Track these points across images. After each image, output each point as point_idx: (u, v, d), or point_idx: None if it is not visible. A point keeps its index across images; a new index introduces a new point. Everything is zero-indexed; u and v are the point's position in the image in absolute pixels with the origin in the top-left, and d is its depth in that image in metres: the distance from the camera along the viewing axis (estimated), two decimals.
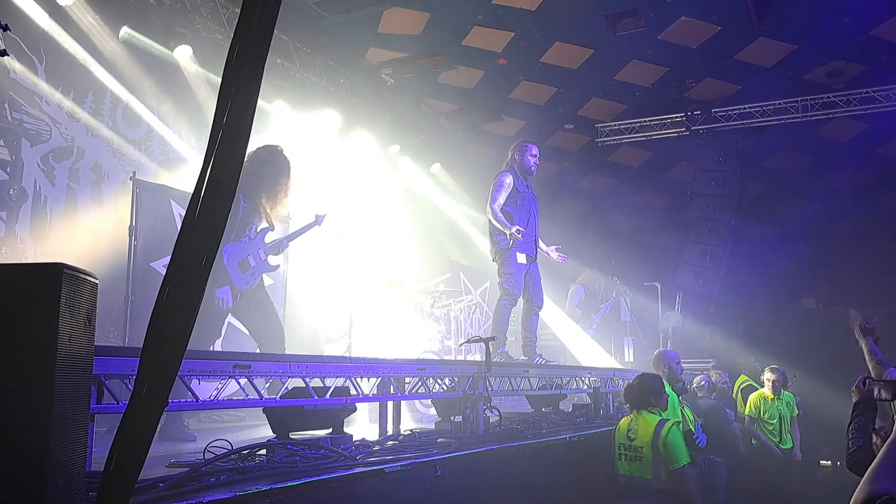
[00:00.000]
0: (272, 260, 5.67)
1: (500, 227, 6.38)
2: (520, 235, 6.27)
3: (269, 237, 5.64)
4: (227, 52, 1.80)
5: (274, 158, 5.50)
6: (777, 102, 10.57)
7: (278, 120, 8.47)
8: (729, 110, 10.93)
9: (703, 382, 6.95)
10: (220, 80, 1.81)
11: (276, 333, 5.41)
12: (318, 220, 5.99)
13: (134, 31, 7.14)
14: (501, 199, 6.45)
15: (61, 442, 2.01)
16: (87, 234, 6.93)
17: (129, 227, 6.56)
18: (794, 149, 11.36)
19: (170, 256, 1.80)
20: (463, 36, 9.13)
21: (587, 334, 10.05)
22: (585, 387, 6.64)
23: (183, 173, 7.67)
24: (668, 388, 5.19)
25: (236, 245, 5.29)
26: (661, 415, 4.73)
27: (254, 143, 5.58)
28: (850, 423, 3.12)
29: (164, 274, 1.78)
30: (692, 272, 11.05)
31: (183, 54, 7.59)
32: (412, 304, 8.34)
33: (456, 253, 11.42)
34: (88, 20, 6.85)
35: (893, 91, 10.01)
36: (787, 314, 10.62)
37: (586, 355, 9.46)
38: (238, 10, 1.76)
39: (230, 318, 5.68)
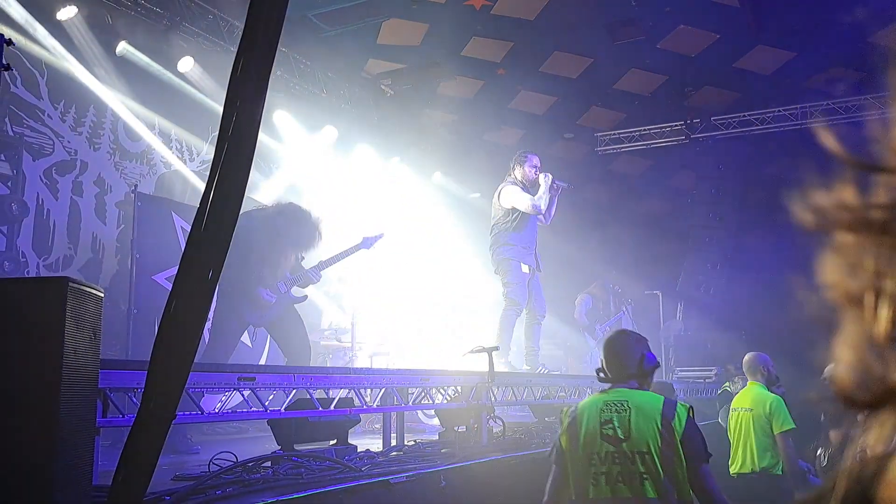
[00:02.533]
0: (298, 292, 5.67)
1: (548, 194, 6.45)
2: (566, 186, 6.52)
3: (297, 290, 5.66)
4: (228, 63, 1.81)
5: (303, 220, 5.48)
6: (776, 110, 10.60)
7: (279, 134, 8.50)
8: (728, 118, 10.96)
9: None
10: (221, 92, 1.82)
11: (303, 347, 5.47)
12: (367, 243, 5.94)
13: (131, 46, 7.17)
14: (527, 195, 6.46)
15: (68, 456, 2.01)
16: (89, 247, 6.94)
17: (131, 240, 6.58)
18: (794, 156, 11.37)
19: (172, 269, 1.80)
20: (462, 46, 9.17)
21: (590, 344, 10.02)
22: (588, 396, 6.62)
23: (184, 186, 7.69)
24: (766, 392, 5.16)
25: (248, 279, 5.27)
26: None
27: (259, 157, 5.61)
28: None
29: (167, 287, 1.78)
30: (693, 280, 11.05)
31: (184, 66, 7.61)
32: (414, 314, 8.33)
33: (457, 263, 11.41)
34: (88, 35, 6.88)
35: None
36: (789, 321, 10.60)
37: None
38: (237, 23, 1.77)
39: (249, 331, 5.72)
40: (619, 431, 2.83)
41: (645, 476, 2.75)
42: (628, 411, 2.85)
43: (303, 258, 5.66)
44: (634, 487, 2.75)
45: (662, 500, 2.73)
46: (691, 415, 2.83)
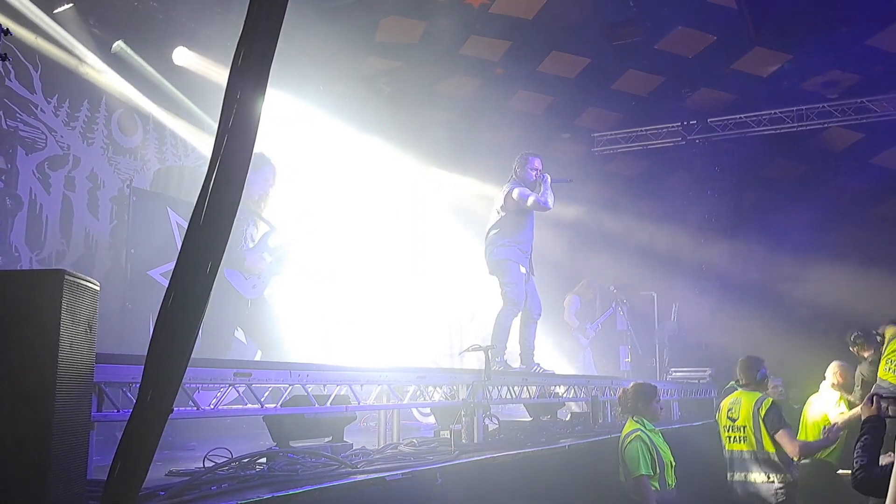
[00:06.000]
0: (277, 266, 5.68)
1: (552, 192, 6.48)
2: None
3: (274, 240, 5.66)
4: (225, 56, 1.79)
5: (261, 164, 5.59)
6: (773, 112, 10.62)
7: (275, 126, 8.44)
8: (725, 120, 10.98)
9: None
10: (217, 82, 1.80)
11: (277, 341, 5.45)
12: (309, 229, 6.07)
13: (126, 42, 7.14)
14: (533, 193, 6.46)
15: (62, 450, 1.99)
16: (82, 243, 6.90)
17: (126, 235, 6.55)
18: (790, 158, 11.41)
19: (167, 265, 1.79)
20: (460, 45, 9.15)
21: (582, 344, 10.03)
22: (583, 395, 6.63)
23: (180, 181, 7.65)
24: None
25: (232, 253, 5.29)
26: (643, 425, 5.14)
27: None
28: (857, 441, 3.09)
29: (161, 282, 1.77)
30: (688, 281, 11.06)
31: (180, 59, 7.56)
32: (410, 312, 8.32)
33: (453, 262, 11.40)
34: (83, 29, 6.84)
35: (888, 100, 10.08)
36: (783, 322, 10.63)
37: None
38: (236, 18, 1.75)
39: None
40: (734, 414, 5.48)
41: (745, 438, 5.39)
42: (741, 402, 5.49)
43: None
44: (741, 444, 5.41)
45: (756, 451, 5.32)
46: (770, 404, 5.37)
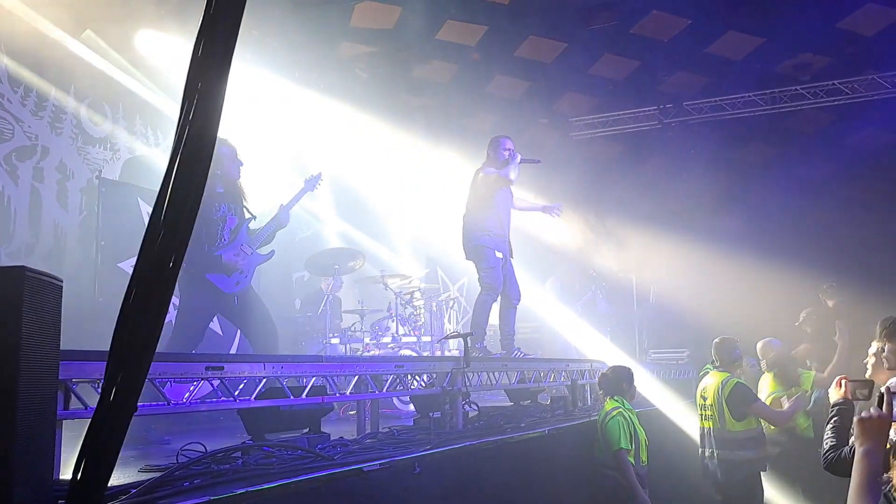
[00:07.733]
0: (264, 249, 5.54)
1: (517, 168, 6.49)
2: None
3: (255, 225, 5.51)
4: (191, 45, 1.75)
5: (220, 150, 5.26)
6: (747, 95, 10.69)
7: (251, 112, 8.34)
8: (700, 103, 11.04)
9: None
10: (185, 70, 1.75)
11: (269, 332, 5.36)
12: (310, 185, 5.85)
13: (95, 34, 6.99)
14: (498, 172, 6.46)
15: (27, 450, 1.94)
16: (52, 235, 6.77)
17: (96, 226, 6.44)
18: (763, 141, 11.50)
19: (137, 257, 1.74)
20: (436, 30, 9.07)
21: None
22: (563, 380, 6.66)
23: (150, 171, 7.53)
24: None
25: (208, 252, 5.15)
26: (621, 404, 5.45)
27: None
28: (827, 423, 3.13)
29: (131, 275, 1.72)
30: (665, 264, 11.13)
31: (143, 41, 7.41)
32: (390, 299, 8.28)
33: (434, 248, 11.38)
34: (51, 15, 6.68)
35: (859, 83, 10.18)
36: (760, 305, 10.75)
37: (581, 340, 9.49)
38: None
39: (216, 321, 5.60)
40: (706, 393, 5.85)
41: (711, 416, 5.74)
42: (710, 382, 5.82)
43: (251, 217, 5.49)
44: (708, 422, 5.78)
45: (721, 429, 5.67)
46: (734, 385, 5.66)
